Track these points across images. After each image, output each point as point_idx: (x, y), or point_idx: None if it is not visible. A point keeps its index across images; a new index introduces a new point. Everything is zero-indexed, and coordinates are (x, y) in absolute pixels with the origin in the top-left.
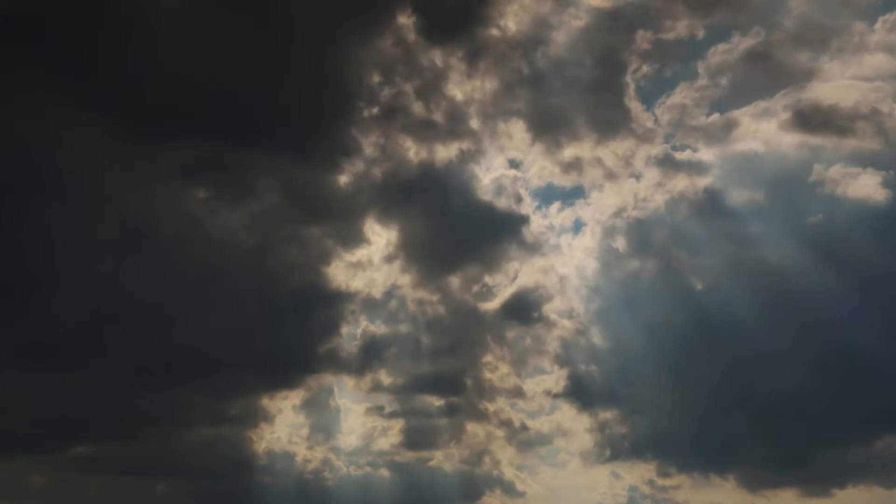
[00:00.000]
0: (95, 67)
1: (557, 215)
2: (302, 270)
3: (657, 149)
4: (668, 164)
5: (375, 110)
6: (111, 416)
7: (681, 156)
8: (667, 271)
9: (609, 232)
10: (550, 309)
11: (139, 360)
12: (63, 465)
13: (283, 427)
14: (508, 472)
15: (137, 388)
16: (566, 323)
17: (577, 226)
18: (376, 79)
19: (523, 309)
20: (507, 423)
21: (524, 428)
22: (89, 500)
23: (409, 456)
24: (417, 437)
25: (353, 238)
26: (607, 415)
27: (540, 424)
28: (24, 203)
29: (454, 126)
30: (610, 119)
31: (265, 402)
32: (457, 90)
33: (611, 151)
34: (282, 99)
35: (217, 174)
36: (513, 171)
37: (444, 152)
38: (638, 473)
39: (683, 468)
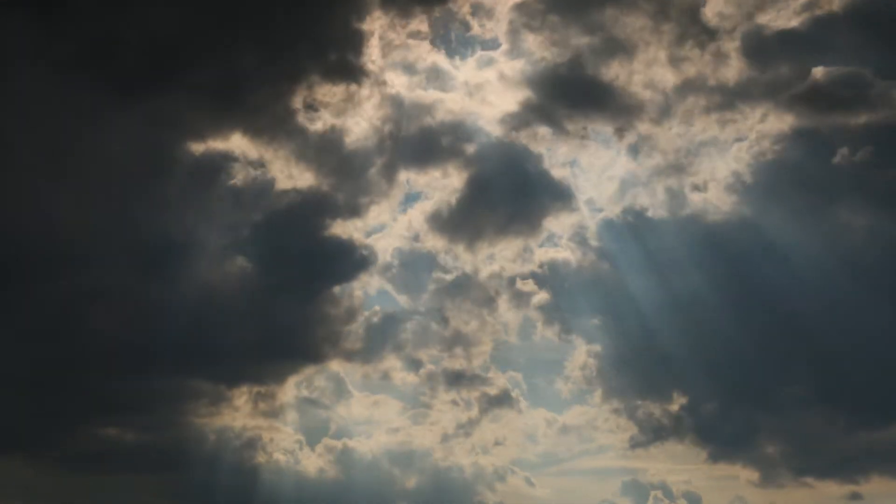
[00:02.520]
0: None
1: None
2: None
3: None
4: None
5: (385, 48)
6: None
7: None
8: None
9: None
10: (577, 283)
11: (133, 347)
12: (54, 461)
13: (286, 420)
14: (527, 464)
15: (130, 378)
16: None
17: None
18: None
19: (549, 281)
20: (525, 414)
21: (544, 418)
22: (83, 497)
23: (418, 448)
24: (429, 428)
25: (368, 203)
26: (636, 402)
27: (564, 415)
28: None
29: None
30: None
31: (268, 390)
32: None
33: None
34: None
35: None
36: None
37: (463, 103)
38: (655, 465)
39: (709, 459)
